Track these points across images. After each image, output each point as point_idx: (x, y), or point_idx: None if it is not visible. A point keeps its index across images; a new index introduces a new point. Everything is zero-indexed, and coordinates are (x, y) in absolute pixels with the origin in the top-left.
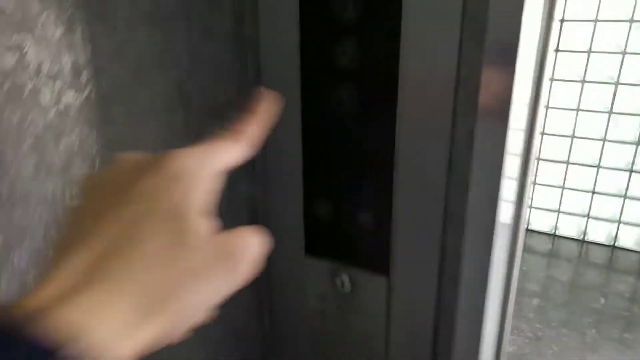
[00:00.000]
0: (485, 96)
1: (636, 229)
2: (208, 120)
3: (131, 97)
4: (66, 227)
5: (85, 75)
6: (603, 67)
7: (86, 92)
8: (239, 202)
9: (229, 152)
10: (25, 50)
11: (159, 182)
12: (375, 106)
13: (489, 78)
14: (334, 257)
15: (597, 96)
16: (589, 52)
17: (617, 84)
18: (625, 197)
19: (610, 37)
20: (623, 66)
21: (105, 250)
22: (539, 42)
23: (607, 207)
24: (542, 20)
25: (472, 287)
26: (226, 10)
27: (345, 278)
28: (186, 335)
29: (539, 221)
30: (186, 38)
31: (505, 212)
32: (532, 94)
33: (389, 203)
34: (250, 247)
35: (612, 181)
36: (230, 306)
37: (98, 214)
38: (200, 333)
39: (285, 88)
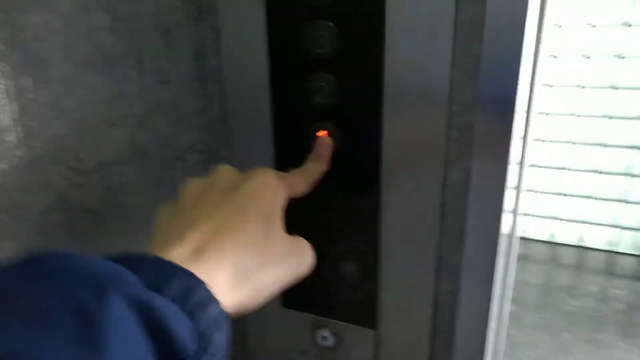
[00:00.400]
0: (481, 139)
1: (604, 228)
2: (168, 169)
3: (73, 157)
4: (178, 211)
5: (14, 138)
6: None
7: (16, 158)
8: None
9: (295, 185)
10: None
11: (255, 187)
12: (357, 146)
13: (484, 117)
14: (314, 309)
15: (562, 99)
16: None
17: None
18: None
19: (604, 41)
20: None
21: (215, 231)
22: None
23: (576, 208)
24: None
25: (468, 340)
26: (184, 48)
27: (327, 332)
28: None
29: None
30: (138, 84)
31: (501, 263)
32: (527, 101)
33: (374, 250)
34: (309, 248)
35: (580, 183)
36: None
37: (207, 206)
38: None
39: (255, 129)
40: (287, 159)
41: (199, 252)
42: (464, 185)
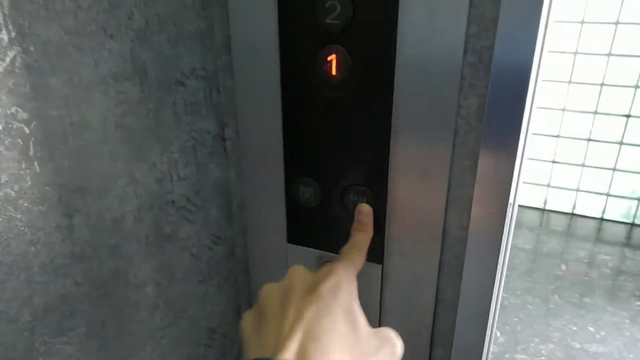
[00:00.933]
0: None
1: (595, 196)
2: (169, 93)
3: (69, 66)
4: (264, 317)
5: (5, 36)
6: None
7: (8, 59)
8: (210, 187)
9: (357, 262)
10: None
11: (331, 285)
12: (369, 74)
13: (498, 84)
14: (319, 245)
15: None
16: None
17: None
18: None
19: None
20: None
21: (311, 334)
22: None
23: (567, 176)
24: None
25: (477, 276)
26: None
27: None
28: None
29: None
30: None
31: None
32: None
33: (382, 184)
34: (396, 335)
35: (573, 151)
36: (204, 304)
37: (293, 310)
38: (172, 335)
39: (260, 52)
40: (294, 90)
41: (303, 357)
42: (479, 112)
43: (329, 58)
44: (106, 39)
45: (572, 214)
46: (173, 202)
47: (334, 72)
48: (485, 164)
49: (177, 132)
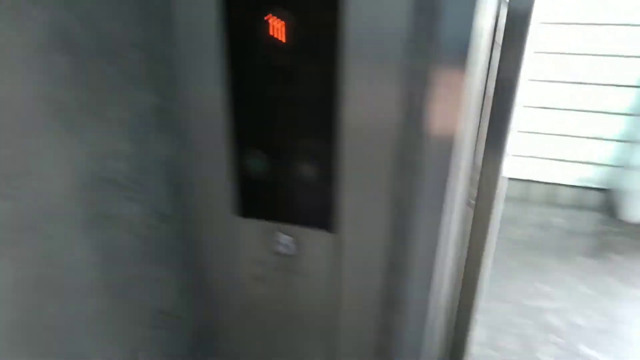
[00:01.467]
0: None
1: (547, 162)
2: (105, 65)
3: None
4: None
5: None
6: None
7: None
8: (154, 163)
9: None
10: None
11: None
12: (313, 36)
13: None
14: (269, 216)
15: None
16: None
17: None
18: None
19: None
20: None
21: None
22: None
23: (522, 143)
24: None
25: (425, 240)
26: None
27: (284, 238)
28: None
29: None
30: None
31: (463, 157)
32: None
33: (331, 151)
34: None
35: (526, 119)
36: (152, 286)
37: None
38: (114, 317)
39: (202, 19)
40: (240, 57)
41: None
42: (426, 77)
43: (273, 23)
44: (28, 6)
45: (528, 180)
46: (114, 179)
47: (279, 36)
48: (434, 126)
49: (115, 107)
